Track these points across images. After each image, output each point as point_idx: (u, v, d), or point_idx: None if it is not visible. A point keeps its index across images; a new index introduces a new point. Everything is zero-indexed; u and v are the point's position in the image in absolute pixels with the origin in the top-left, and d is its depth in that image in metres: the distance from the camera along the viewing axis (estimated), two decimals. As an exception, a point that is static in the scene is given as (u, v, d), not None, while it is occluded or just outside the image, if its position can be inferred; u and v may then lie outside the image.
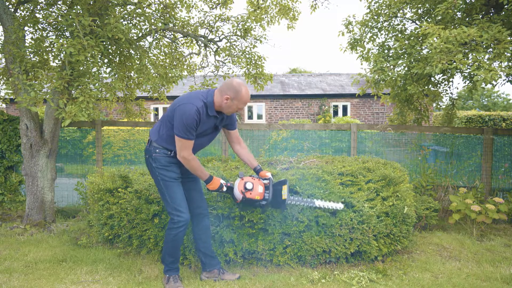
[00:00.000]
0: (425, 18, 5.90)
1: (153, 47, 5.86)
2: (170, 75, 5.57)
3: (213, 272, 3.34)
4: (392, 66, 5.65)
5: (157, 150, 3.07)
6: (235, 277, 3.32)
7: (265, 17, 6.38)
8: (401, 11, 6.13)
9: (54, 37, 4.74)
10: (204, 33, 6.04)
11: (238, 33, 5.93)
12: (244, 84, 3.00)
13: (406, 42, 5.47)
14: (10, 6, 4.95)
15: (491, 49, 4.43)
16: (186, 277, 3.41)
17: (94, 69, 4.64)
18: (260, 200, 3.12)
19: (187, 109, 2.87)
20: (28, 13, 5.02)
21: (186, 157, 2.96)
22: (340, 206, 3.45)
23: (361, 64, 6.77)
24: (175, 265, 3.21)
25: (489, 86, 4.45)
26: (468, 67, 4.21)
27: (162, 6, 5.46)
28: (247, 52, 6.01)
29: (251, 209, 3.44)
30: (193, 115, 2.87)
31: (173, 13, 5.53)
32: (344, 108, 17.82)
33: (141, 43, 5.57)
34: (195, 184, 3.30)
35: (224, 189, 3.13)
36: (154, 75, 5.56)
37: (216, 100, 3.00)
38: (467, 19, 5.13)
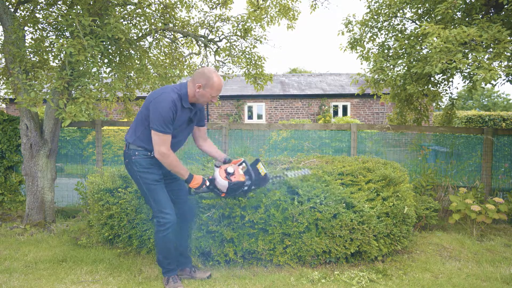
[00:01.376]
0: (425, 18, 5.90)
1: (153, 47, 5.86)
2: (169, 75, 5.57)
3: (185, 270, 3.37)
4: (391, 66, 5.65)
5: (136, 153, 3.01)
6: (206, 275, 3.35)
7: (265, 17, 6.38)
8: (401, 11, 6.13)
9: (54, 37, 4.75)
10: (204, 33, 6.04)
11: (238, 33, 5.93)
12: (215, 71, 2.96)
13: (406, 42, 5.47)
14: (10, 6, 4.95)
15: (491, 49, 4.43)
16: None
17: (94, 69, 4.64)
18: (245, 181, 3.06)
19: (163, 100, 2.84)
20: (28, 13, 5.02)
21: (165, 152, 2.88)
22: (307, 171, 3.50)
23: (361, 63, 6.77)
24: (172, 266, 3.21)
25: (488, 85, 4.45)
26: (468, 66, 4.21)
27: (162, 6, 5.46)
28: (247, 52, 6.01)
29: (236, 197, 3.40)
30: (169, 106, 2.83)
31: (173, 13, 5.53)
32: (344, 108, 17.82)
33: (141, 43, 5.57)
34: (178, 184, 3.29)
35: (207, 183, 3.05)
36: (154, 75, 5.56)
37: (189, 91, 2.96)
38: (467, 19, 5.13)
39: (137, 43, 5.29)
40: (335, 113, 17.83)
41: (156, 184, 3.03)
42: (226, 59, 6.12)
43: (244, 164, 3.17)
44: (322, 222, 3.49)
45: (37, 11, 4.96)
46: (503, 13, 4.87)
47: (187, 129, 3.13)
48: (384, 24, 6.33)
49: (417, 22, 6.02)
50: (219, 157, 3.25)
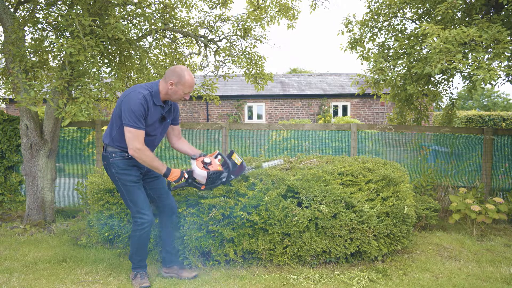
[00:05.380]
0: (425, 18, 5.90)
1: (153, 47, 5.86)
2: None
3: (172, 268, 3.39)
4: (392, 66, 5.65)
5: (113, 154, 3.06)
6: (193, 275, 3.36)
7: (265, 17, 6.38)
8: (401, 11, 6.13)
9: (54, 37, 4.75)
10: (204, 33, 6.04)
11: (238, 33, 5.93)
12: (187, 69, 3.04)
13: (406, 42, 5.47)
14: (10, 6, 4.95)
15: (490, 49, 4.43)
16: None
17: (94, 69, 4.64)
18: (222, 171, 3.12)
19: (133, 96, 2.92)
20: (28, 13, 5.02)
21: (139, 147, 2.91)
22: (280, 161, 3.58)
23: (361, 63, 6.78)
24: (143, 263, 3.27)
25: (488, 86, 4.45)
26: (468, 67, 4.21)
27: (162, 6, 5.46)
28: (247, 52, 6.01)
29: (216, 188, 3.44)
30: (140, 101, 2.90)
31: (173, 13, 5.53)
32: (344, 108, 17.82)
33: (141, 43, 5.57)
34: (159, 182, 3.32)
35: (186, 175, 3.10)
36: (154, 75, 5.56)
37: (161, 88, 3.04)
38: (466, 19, 5.13)
39: (137, 43, 5.28)
40: (335, 113, 17.83)
41: (133, 185, 3.08)
42: (226, 59, 6.13)
43: (219, 156, 3.22)
44: (322, 221, 3.49)
45: (37, 11, 4.96)
46: (503, 13, 4.87)
47: (161, 126, 3.18)
48: (384, 24, 6.33)
49: (417, 22, 6.02)
50: (194, 154, 3.25)
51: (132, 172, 3.09)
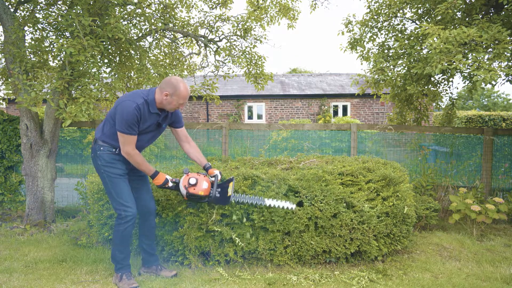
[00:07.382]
0: (425, 18, 5.90)
1: (153, 47, 5.86)
2: (170, 75, 5.57)
3: (151, 268, 3.44)
4: (392, 66, 5.65)
5: (101, 148, 3.14)
6: (172, 274, 3.39)
7: (265, 17, 6.39)
8: (401, 11, 6.13)
9: (54, 37, 4.74)
10: (204, 33, 6.04)
11: (238, 33, 5.93)
12: (182, 81, 3.07)
13: (406, 42, 5.47)
14: (10, 6, 4.95)
15: (491, 49, 4.43)
16: (186, 277, 3.41)
17: (94, 70, 4.64)
18: (204, 196, 3.19)
19: (127, 105, 2.97)
20: (28, 13, 5.02)
21: (130, 152, 3.04)
22: (292, 206, 3.43)
23: (361, 64, 6.78)
24: (126, 262, 3.25)
25: (488, 86, 4.46)
26: (468, 67, 4.21)
27: (162, 6, 5.46)
28: (247, 52, 6.01)
29: (198, 204, 3.49)
30: (133, 111, 2.96)
31: (173, 13, 5.53)
32: (344, 108, 17.82)
33: (141, 43, 5.57)
34: (143, 183, 3.35)
35: (169, 184, 3.20)
36: (154, 75, 5.56)
37: (157, 97, 3.08)
38: (467, 19, 5.13)
39: (137, 43, 5.28)
40: (335, 113, 17.83)
41: (119, 177, 3.13)
42: (226, 59, 6.12)
43: (214, 178, 3.26)
44: (322, 221, 3.49)
45: (37, 11, 4.96)
46: (503, 13, 4.87)
47: (155, 131, 3.25)
48: (384, 24, 6.33)
49: (417, 22, 6.03)
50: (200, 163, 3.36)
51: (117, 166, 3.14)
